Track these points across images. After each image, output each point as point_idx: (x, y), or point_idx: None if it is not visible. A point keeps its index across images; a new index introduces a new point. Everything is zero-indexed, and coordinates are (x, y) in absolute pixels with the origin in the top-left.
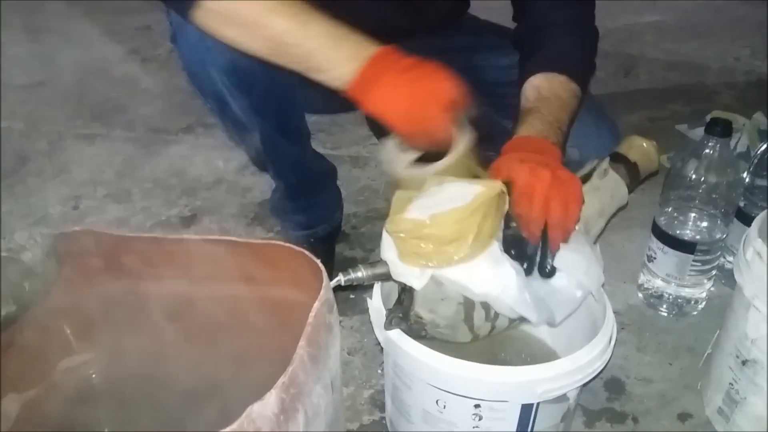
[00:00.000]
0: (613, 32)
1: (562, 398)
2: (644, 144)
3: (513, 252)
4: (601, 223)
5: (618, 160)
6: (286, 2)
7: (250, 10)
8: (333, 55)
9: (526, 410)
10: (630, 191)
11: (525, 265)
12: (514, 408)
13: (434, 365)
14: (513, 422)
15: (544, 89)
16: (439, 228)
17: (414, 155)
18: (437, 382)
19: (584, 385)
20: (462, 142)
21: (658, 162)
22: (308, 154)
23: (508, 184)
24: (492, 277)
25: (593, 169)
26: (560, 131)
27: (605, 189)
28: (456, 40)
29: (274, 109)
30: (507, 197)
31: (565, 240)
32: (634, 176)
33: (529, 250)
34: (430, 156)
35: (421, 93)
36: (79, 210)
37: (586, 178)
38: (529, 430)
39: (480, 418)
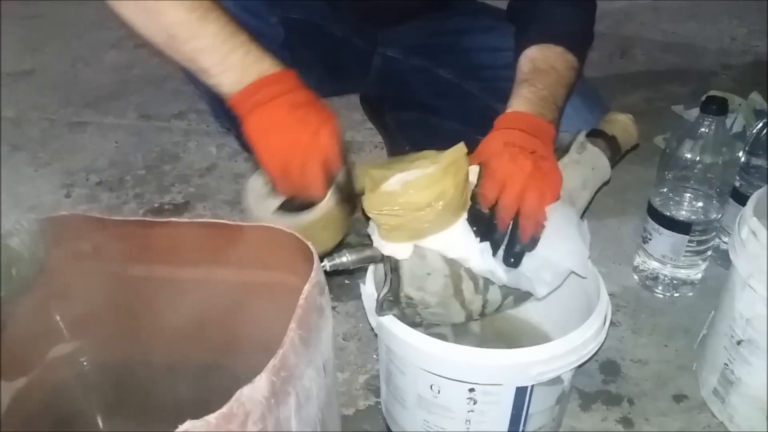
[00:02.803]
0: (609, 13)
1: (557, 380)
2: (621, 117)
3: (477, 230)
4: (585, 196)
5: (596, 135)
6: None
7: None
8: (222, 60)
9: (521, 393)
10: (612, 165)
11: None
12: (509, 391)
13: (427, 350)
14: (508, 405)
15: (539, 61)
16: (413, 195)
17: (278, 200)
18: (431, 367)
19: (579, 366)
20: (332, 196)
21: (637, 134)
22: None
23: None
24: (465, 244)
25: (570, 143)
26: (555, 106)
27: (586, 162)
28: (449, 23)
29: None
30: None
31: (536, 232)
32: (614, 150)
33: (497, 236)
34: (293, 203)
35: (304, 142)
36: (71, 198)
37: (563, 152)
38: (524, 412)
39: (475, 402)
